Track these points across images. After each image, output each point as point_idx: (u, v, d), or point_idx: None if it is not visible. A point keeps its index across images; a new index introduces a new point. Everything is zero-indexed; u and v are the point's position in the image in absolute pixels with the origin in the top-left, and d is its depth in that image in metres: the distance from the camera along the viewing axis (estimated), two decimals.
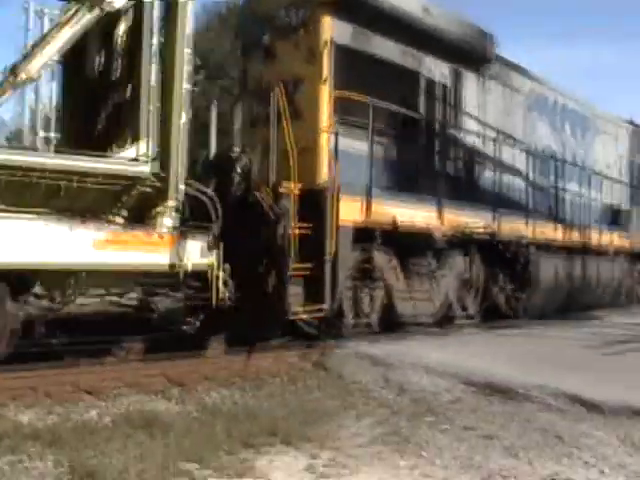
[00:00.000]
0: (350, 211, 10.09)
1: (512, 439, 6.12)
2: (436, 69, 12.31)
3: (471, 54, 12.81)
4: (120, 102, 8.39)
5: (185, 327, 10.47)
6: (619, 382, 8.33)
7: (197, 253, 8.57)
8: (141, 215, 8.15)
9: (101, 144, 8.15)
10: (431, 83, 12.19)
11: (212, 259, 8.62)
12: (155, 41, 8.16)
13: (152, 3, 8.15)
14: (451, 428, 6.45)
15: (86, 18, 7.68)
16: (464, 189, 12.80)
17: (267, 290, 9.39)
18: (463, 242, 12.57)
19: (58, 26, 7.57)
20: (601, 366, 9.69)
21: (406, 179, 11.54)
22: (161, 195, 8.14)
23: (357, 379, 8.58)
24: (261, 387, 7.97)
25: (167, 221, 8.28)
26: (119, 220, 8.01)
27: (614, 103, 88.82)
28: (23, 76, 7.42)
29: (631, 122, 20.09)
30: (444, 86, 12.48)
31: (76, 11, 7.59)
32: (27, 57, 7.50)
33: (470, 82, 13.13)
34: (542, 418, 7.02)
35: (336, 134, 10.05)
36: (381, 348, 9.91)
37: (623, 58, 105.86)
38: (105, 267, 7.93)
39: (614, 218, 18.38)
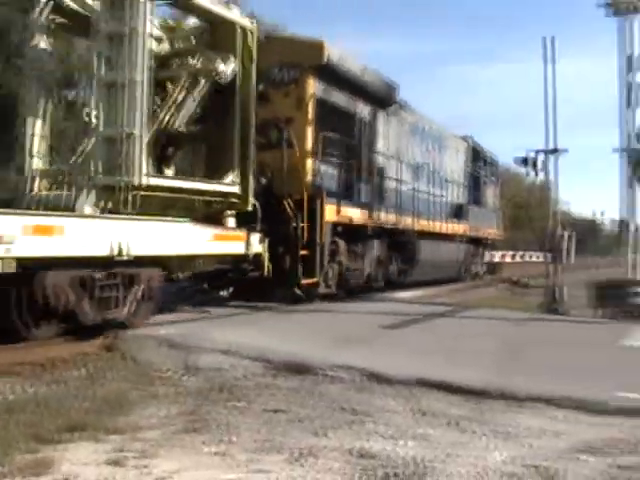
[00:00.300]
0: (330, 213, 14.86)
1: (311, 416, 6.26)
2: (363, 110, 17.32)
3: (383, 99, 18.09)
4: (219, 146, 12.56)
5: (222, 293, 15.29)
6: (403, 354, 9.18)
7: (256, 243, 12.74)
8: (217, 219, 12.30)
9: (209, 173, 12.41)
10: (360, 120, 17.11)
11: (263, 247, 12.87)
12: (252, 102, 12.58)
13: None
14: (252, 409, 6.47)
15: (208, 86, 11.90)
16: (380, 195, 18.04)
17: (284, 267, 13.81)
18: (379, 232, 17.88)
19: (193, 91, 11.78)
20: (388, 340, 10.66)
21: (353, 190, 16.63)
22: (242, 205, 12.50)
23: (155, 363, 8.55)
24: (56, 378, 7.75)
25: (231, 222, 12.63)
26: (231, 224, 12.54)
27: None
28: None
29: (465, 139, 26.13)
30: (367, 122, 17.49)
31: (205, 82, 11.82)
32: (172, 115, 11.61)
33: (380, 118, 18.30)
34: (337, 393, 7.19)
35: (319, 160, 14.89)
36: (178, 329, 10.39)
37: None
38: (216, 253, 12.24)
39: (457, 212, 24.40)
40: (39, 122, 10.91)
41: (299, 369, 8.30)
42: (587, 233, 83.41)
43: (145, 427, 5.84)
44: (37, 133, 10.91)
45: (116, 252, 9.52)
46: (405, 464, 4.99)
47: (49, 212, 9.37)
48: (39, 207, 9.97)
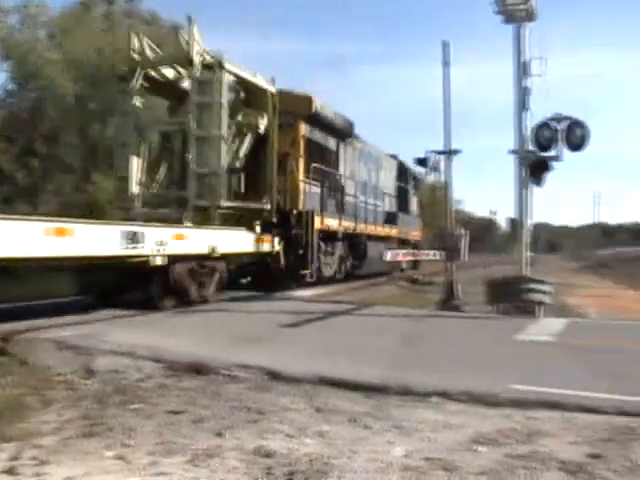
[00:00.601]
0: (317, 223, 19.53)
1: (213, 416, 6.22)
2: (332, 143, 22.47)
3: (344, 134, 23.17)
4: (256, 176, 17.48)
5: (243, 281, 19.20)
6: (304, 353, 9.38)
7: (277, 244, 17.57)
8: (250, 226, 16.67)
9: (249, 195, 17.41)
10: (330, 151, 22.35)
11: (280, 247, 17.68)
12: (275, 146, 17.35)
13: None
14: (153, 411, 6.36)
15: (251, 136, 17.36)
16: (343, 207, 22.42)
17: (289, 261, 18.19)
18: (343, 236, 22.64)
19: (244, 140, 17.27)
20: (288, 339, 10.84)
21: (327, 204, 21.01)
22: (269, 217, 17.31)
23: (55, 367, 8.29)
24: None
25: (258, 229, 16.79)
26: (257, 230, 16.74)
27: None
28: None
29: (395, 157, 30.64)
30: (334, 152, 22.65)
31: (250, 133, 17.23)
32: (233, 157, 16.79)
33: (342, 148, 23.32)
34: (239, 393, 7.16)
35: (309, 184, 19.84)
36: (79, 331, 10.33)
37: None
38: (256, 251, 16.84)
39: (391, 219, 28.82)
40: (139, 161, 16.09)
41: (200, 369, 8.25)
42: (484, 231, 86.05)
43: (43, 433, 5.69)
44: (138, 168, 16.03)
45: (211, 251, 14.48)
46: (309, 462, 5.01)
47: (184, 225, 14.63)
48: (151, 220, 14.30)
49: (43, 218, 11.01)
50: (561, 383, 7.50)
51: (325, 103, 20.78)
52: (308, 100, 19.49)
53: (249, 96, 17.02)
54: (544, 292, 14.91)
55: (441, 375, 7.96)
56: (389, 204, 29.15)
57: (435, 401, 7.03)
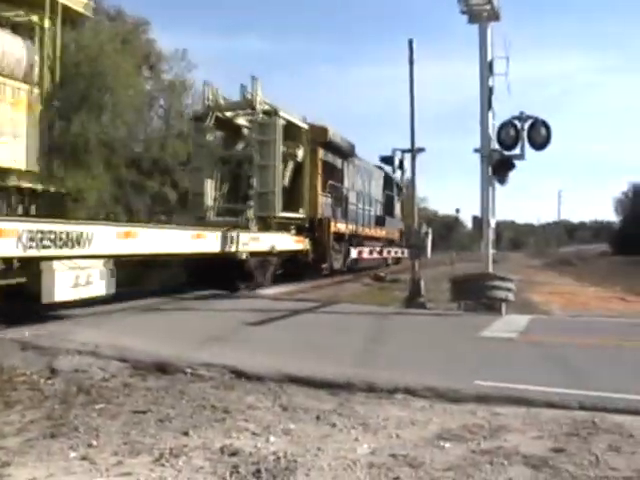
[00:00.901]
0: (332, 227, 25.04)
1: (179, 415, 6.20)
2: (339, 162, 27.47)
3: (348, 154, 28.08)
4: (295, 192, 22.89)
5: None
6: (270, 351, 9.34)
7: (307, 244, 23.03)
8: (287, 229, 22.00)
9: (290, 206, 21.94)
10: (338, 169, 27.38)
11: (310, 245, 23.16)
12: (308, 170, 23.61)
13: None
14: (119, 411, 6.34)
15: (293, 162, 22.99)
16: (347, 214, 27.57)
17: (314, 257, 23.56)
18: (349, 236, 27.81)
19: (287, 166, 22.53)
20: (254, 337, 10.90)
21: (337, 211, 26.45)
22: (303, 223, 23.07)
23: (19, 367, 8.18)
24: None
25: (293, 232, 22.18)
26: (292, 232, 22.25)
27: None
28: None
29: (381, 168, 33.22)
30: (340, 169, 27.56)
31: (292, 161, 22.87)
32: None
33: (345, 166, 28.11)
34: (205, 392, 7.15)
35: (324, 196, 25.06)
36: (44, 330, 10.31)
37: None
38: (295, 249, 22.40)
39: (380, 221, 33.36)
40: (211, 182, 21.06)
41: (165, 369, 8.22)
42: (449, 229, 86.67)
43: (6, 434, 5.63)
44: (212, 187, 21.02)
45: (272, 249, 19.94)
46: (276, 460, 5.03)
47: (256, 231, 19.68)
48: (219, 226, 18.25)
49: (189, 227, 17.03)
50: (525, 379, 7.59)
51: (335, 131, 25.52)
52: (324, 130, 24.47)
53: (290, 132, 21.84)
54: (508, 289, 15.05)
55: (406, 372, 8.01)
56: (379, 209, 34.64)
57: (400, 398, 7.10)
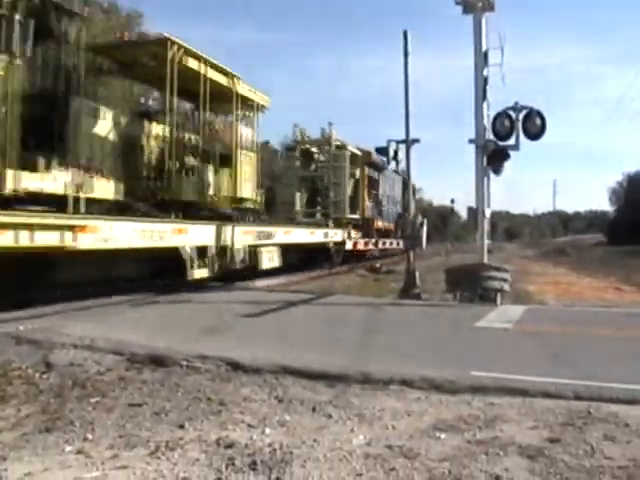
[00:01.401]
0: (375, 224, 37.19)
1: (175, 408, 6.19)
2: (376, 175, 38.03)
3: (381, 168, 37.17)
4: (353, 200, 34.00)
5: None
6: (266, 343, 9.35)
7: (360, 237, 33.21)
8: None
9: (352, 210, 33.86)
10: (375, 180, 38.09)
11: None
12: (365, 183, 35.10)
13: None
14: (115, 404, 6.32)
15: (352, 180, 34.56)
16: (381, 214, 39.21)
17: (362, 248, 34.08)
18: (383, 230, 39.19)
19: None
20: (250, 329, 10.92)
21: (376, 212, 37.91)
22: (359, 221, 34.09)
23: (14, 362, 8.12)
24: None
25: (351, 228, 32.15)
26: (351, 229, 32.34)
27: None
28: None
29: (400, 174, 40.41)
30: (376, 180, 38.29)
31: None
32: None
33: (380, 177, 38.88)
34: (202, 384, 7.14)
35: (368, 201, 36.39)
36: (38, 324, 10.30)
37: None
38: (340, 240, 29.87)
39: (400, 217, 37.81)
40: (299, 194, 30.00)
41: (162, 361, 8.20)
42: (444, 220, 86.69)
43: (3, 429, 5.62)
44: (299, 198, 29.78)
45: (343, 240, 29.25)
46: (272, 451, 5.03)
47: (334, 227, 29.35)
48: (309, 225, 26.99)
49: (306, 227, 26.02)
50: (520, 369, 7.61)
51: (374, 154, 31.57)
52: (369, 154, 32.68)
53: (352, 158, 32.24)
54: (503, 279, 15.06)
55: (401, 363, 8.03)
56: (399, 207, 42.71)
57: (396, 389, 7.10)
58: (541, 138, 15.21)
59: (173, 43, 15.93)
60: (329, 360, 8.10)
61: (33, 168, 12.17)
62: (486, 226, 15.71)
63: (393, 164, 21.19)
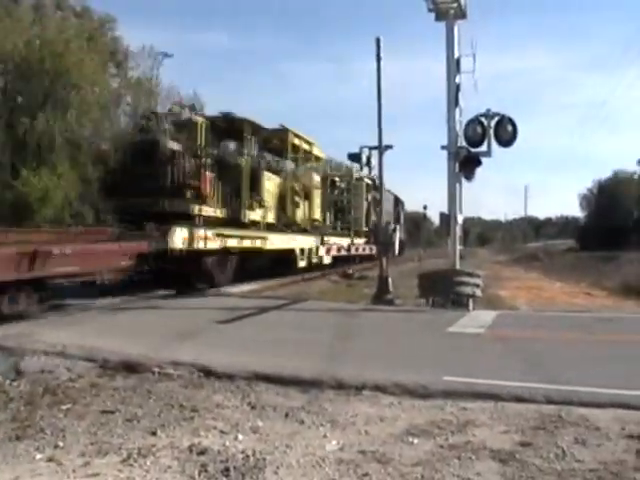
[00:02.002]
0: None
1: (148, 415, 6.15)
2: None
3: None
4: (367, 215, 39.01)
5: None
6: (239, 349, 9.35)
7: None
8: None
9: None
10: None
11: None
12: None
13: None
14: (87, 412, 6.27)
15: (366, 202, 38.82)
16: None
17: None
18: None
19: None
20: (223, 335, 10.94)
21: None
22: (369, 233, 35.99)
23: None
24: None
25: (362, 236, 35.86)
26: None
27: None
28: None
29: (392, 193, 46.15)
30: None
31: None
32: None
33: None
34: (174, 390, 7.10)
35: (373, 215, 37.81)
36: (10, 330, 10.23)
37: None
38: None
39: (394, 229, 37.95)
40: (328, 213, 32.97)
41: (135, 368, 8.15)
42: (417, 226, 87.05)
43: None
44: (328, 216, 33.07)
45: (357, 247, 33.44)
46: (245, 458, 5.02)
47: (352, 237, 33.83)
48: (328, 235, 31.05)
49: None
50: (492, 374, 7.68)
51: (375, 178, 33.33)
52: (375, 180, 32.91)
53: (366, 186, 37.89)
54: (475, 285, 15.17)
55: (374, 368, 8.05)
56: (393, 220, 44.03)
57: (368, 394, 7.11)
58: (513, 145, 15.36)
59: (288, 130, 26.27)
60: (301, 365, 8.10)
61: (250, 208, 21.59)
62: (458, 232, 15.82)
63: (366, 170, 21.28)
